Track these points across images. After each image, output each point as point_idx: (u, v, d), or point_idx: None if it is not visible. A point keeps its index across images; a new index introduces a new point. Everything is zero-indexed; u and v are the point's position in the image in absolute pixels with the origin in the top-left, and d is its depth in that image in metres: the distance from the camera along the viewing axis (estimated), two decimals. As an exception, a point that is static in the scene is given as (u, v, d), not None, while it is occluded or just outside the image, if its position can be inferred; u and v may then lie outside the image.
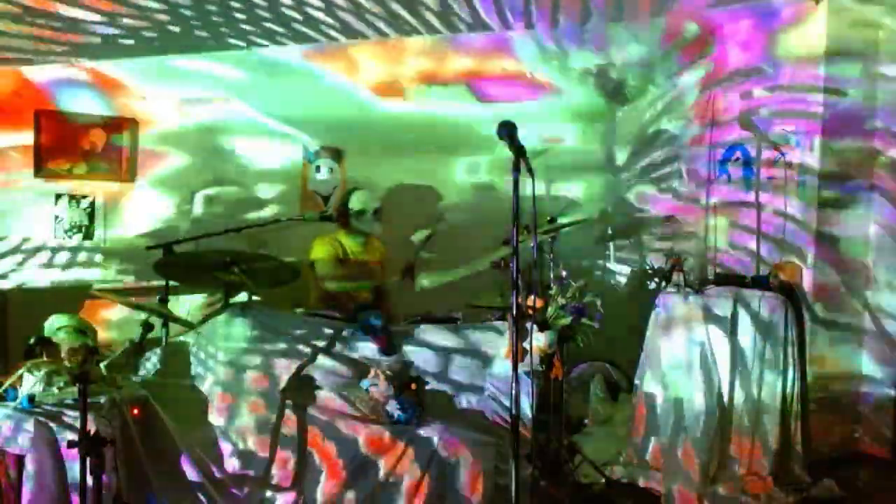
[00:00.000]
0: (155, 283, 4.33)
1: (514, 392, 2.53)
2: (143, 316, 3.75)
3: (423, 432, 3.19)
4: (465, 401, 3.54)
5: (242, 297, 3.96)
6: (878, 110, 4.28)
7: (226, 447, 3.22)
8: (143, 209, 4.88)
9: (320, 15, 3.85)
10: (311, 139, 5.42)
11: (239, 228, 4.48)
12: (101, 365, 3.24)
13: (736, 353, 3.76)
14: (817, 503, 3.61)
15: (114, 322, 4.64)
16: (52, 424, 2.75)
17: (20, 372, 2.94)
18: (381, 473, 3.11)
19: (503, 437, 3.22)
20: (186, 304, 4.74)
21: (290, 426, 3.25)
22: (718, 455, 3.72)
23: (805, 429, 3.76)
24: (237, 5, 3.68)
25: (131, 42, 4.06)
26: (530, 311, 3.22)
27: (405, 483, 3.09)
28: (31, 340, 3.13)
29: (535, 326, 3.29)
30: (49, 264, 4.64)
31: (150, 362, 3.53)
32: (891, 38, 4.21)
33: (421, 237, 4.74)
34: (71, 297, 4.44)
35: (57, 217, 4.64)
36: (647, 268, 5.26)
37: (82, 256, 4.73)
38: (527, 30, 4.30)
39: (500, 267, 4.09)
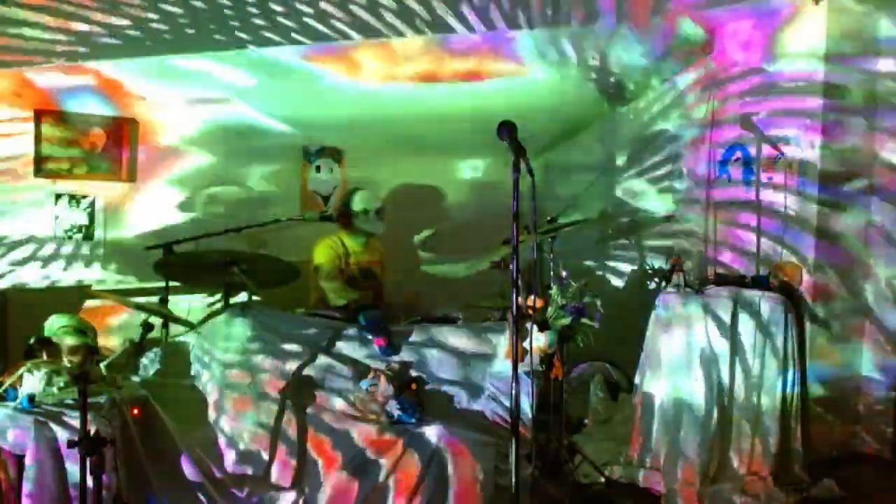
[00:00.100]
0: (154, 284, 4.36)
1: (514, 392, 2.53)
2: (143, 316, 3.75)
3: (423, 432, 3.19)
4: (465, 401, 3.53)
5: (242, 297, 3.97)
6: (878, 110, 4.28)
7: (226, 447, 3.22)
8: (143, 209, 4.88)
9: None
10: (312, 139, 5.44)
11: (239, 228, 4.48)
12: (101, 365, 3.25)
13: (736, 353, 3.76)
14: (817, 503, 3.61)
15: (114, 323, 4.64)
16: (52, 424, 2.75)
17: (20, 372, 2.94)
18: (382, 473, 3.11)
19: (503, 437, 3.22)
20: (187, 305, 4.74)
21: (290, 426, 3.25)
22: (718, 455, 3.72)
23: (805, 429, 3.77)
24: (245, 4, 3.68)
25: (133, 42, 4.05)
26: (530, 311, 3.23)
27: (405, 483, 3.09)
28: (31, 340, 3.13)
29: (535, 326, 3.29)
30: (49, 264, 4.64)
31: (151, 362, 3.53)
32: (890, 38, 4.21)
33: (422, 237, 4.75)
34: (71, 297, 4.44)
35: (57, 217, 4.65)
36: (647, 268, 5.26)
37: (82, 256, 4.73)
38: (527, 30, 4.30)
39: (499, 267, 4.10)
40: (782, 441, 3.69)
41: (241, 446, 3.23)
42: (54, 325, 3.28)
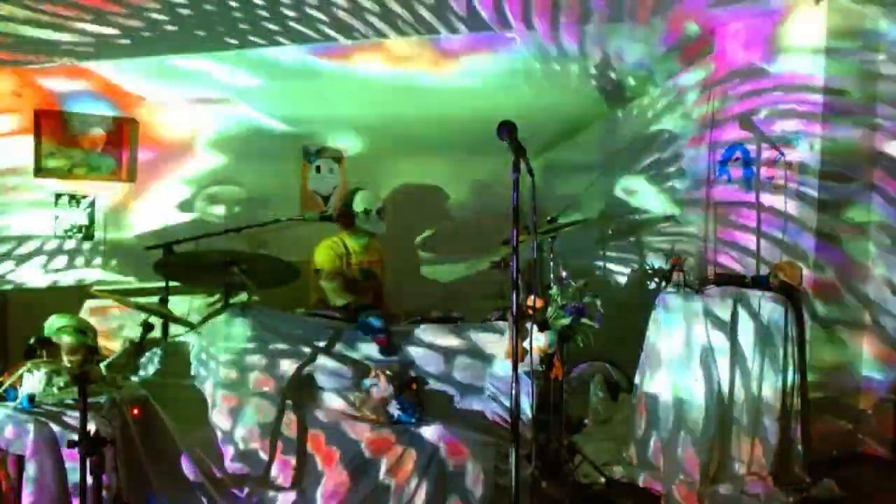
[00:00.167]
0: (154, 284, 4.36)
1: (514, 392, 2.53)
2: (143, 316, 3.75)
3: (423, 432, 3.20)
4: (465, 401, 3.53)
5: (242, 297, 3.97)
6: (878, 109, 4.28)
7: (226, 447, 3.22)
8: (143, 209, 4.88)
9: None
10: (312, 139, 5.44)
11: (239, 228, 4.48)
12: (101, 365, 3.25)
13: (736, 353, 3.76)
14: (817, 503, 3.61)
15: (114, 323, 4.64)
16: (52, 424, 2.75)
17: (20, 372, 2.94)
18: (382, 473, 3.11)
19: (503, 437, 3.23)
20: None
21: (290, 426, 3.25)
22: (718, 455, 3.72)
23: (805, 429, 3.76)
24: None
25: (132, 42, 4.05)
26: (530, 311, 3.23)
27: (405, 483, 3.09)
28: (31, 340, 3.14)
29: (535, 326, 3.29)
30: (49, 264, 4.64)
31: (150, 362, 3.53)
32: (890, 38, 4.21)
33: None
34: (71, 297, 4.44)
35: (57, 217, 4.65)
36: (647, 268, 5.26)
37: (82, 256, 4.73)
38: (527, 30, 4.30)
39: (500, 267, 4.10)
40: (782, 441, 3.68)
41: (241, 446, 3.22)
42: (54, 325, 3.28)
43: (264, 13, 3.81)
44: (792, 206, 4.25)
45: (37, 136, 4.53)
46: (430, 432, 3.19)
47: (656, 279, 4.29)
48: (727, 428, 3.74)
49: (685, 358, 3.82)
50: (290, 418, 3.27)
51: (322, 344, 3.60)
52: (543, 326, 3.42)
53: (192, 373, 3.50)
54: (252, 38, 4.13)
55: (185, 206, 5.05)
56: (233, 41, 4.15)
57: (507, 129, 2.56)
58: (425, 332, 3.72)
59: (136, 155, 4.83)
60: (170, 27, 3.85)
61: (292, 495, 3.11)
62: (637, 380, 3.99)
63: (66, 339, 3.14)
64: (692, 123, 5.07)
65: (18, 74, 4.45)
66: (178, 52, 4.33)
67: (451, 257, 5.95)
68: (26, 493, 2.69)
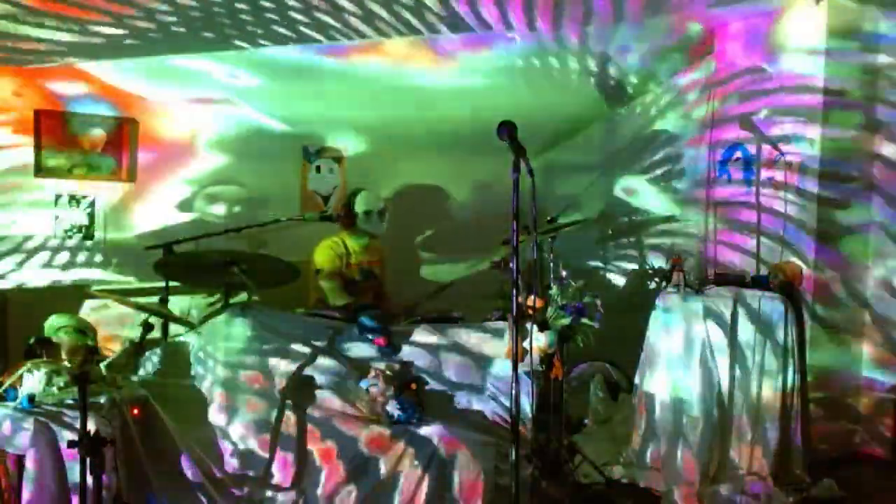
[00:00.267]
0: (154, 284, 4.36)
1: (514, 392, 2.53)
2: (143, 316, 3.75)
3: (423, 432, 3.20)
4: (465, 401, 3.54)
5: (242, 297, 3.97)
6: (878, 109, 4.27)
7: (226, 447, 3.22)
8: (143, 209, 4.88)
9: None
10: (312, 139, 5.44)
11: (239, 228, 4.49)
12: (101, 365, 3.25)
13: (736, 353, 3.75)
14: (817, 503, 3.61)
15: (114, 323, 4.64)
16: (52, 424, 2.75)
17: (20, 372, 2.94)
18: (381, 473, 3.11)
19: (503, 437, 3.23)
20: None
21: (289, 426, 3.25)
22: (718, 455, 3.72)
23: (805, 429, 3.76)
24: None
25: (133, 42, 4.05)
26: (530, 311, 3.23)
27: (405, 483, 3.09)
28: (31, 340, 3.14)
29: (535, 326, 3.29)
30: (49, 264, 4.64)
31: (150, 362, 3.53)
32: (890, 37, 4.21)
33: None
34: (71, 297, 4.44)
35: (57, 217, 4.65)
36: (647, 268, 5.26)
37: (82, 256, 4.73)
38: (528, 30, 4.30)
39: (500, 267, 4.10)
40: (782, 441, 3.68)
41: (241, 446, 3.23)
42: (54, 325, 3.28)
43: (273, 16, 3.82)
44: (792, 206, 4.25)
45: (37, 136, 4.54)
46: (429, 432, 3.19)
47: (656, 279, 4.29)
48: (727, 428, 3.74)
49: (685, 358, 3.82)
50: (289, 418, 3.27)
51: (322, 344, 3.60)
52: (543, 326, 3.41)
53: (192, 373, 3.50)
54: (262, 41, 4.13)
55: (185, 206, 5.05)
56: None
57: (507, 129, 2.56)
58: (425, 333, 3.72)
59: (136, 155, 4.83)
60: (169, 27, 3.85)
61: (292, 495, 3.12)
62: (637, 380, 3.99)
63: (66, 339, 3.14)
64: (692, 123, 5.07)
65: (19, 74, 4.45)
66: (179, 51, 4.33)
67: (451, 257, 5.95)
68: (26, 493, 2.69)
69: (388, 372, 3.44)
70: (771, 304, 3.74)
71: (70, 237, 4.68)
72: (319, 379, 3.46)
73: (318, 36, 4.11)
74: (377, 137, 5.60)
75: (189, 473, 3.03)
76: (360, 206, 4.64)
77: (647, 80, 5.31)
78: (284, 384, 3.39)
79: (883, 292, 4.31)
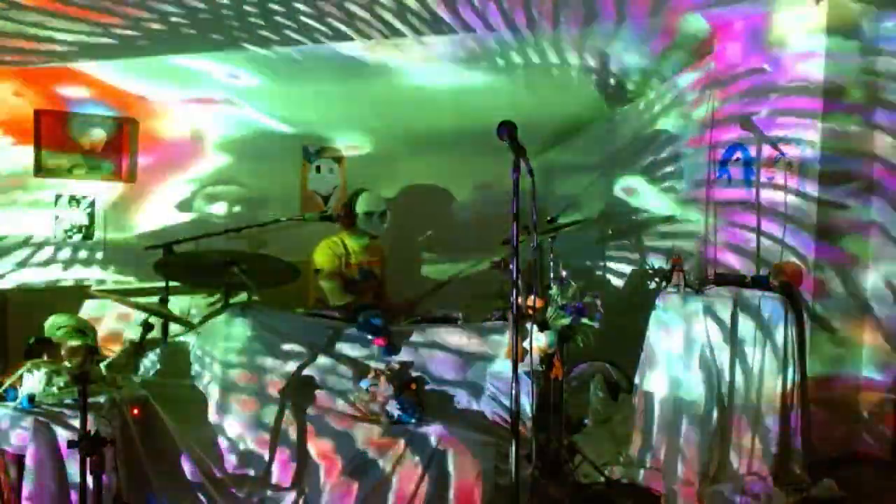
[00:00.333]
0: (154, 284, 4.36)
1: (514, 392, 2.53)
2: (143, 316, 3.75)
3: (423, 432, 3.19)
4: (465, 401, 3.53)
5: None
6: (879, 109, 4.27)
7: (226, 447, 3.23)
8: (143, 209, 4.88)
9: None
10: (312, 139, 5.44)
11: (239, 228, 4.49)
12: (101, 365, 3.25)
13: (736, 353, 3.76)
14: (817, 503, 3.61)
15: (114, 323, 4.64)
16: (52, 424, 2.75)
17: (20, 372, 2.94)
18: (381, 473, 3.11)
19: (503, 437, 3.22)
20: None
21: (290, 426, 3.26)
22: (718, 455, 3.72)
23: (805, 429, 3.76)
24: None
25: (132, 42, 4.05)
26: (530, 311, 3.23)
27: (405, 483, 3.08)
28: (31, 340, 3.14)
29: (535, 326, 3.29)
30: (49, 264, 4.64)
31: (150, 362, 3.53)
32: (890, 37, 4.21)
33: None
34: (71, 297, 4.44)
35: (57, 217, 4.65)
36: (647, 268, 5.26)
37: (82, 256, 4.73)
38: (528, 30, 4.30)
39: (500, 267, 4.10)
40: (782, 441, 3.68)
41: (241, 446, 3.23)
42: (54, 325, 3.28)
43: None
44: (792, 206, 4.25)
45: (37, 136, 4.54)
46: (429, 432, 3.18)
47: (656, 279, 4.29)
48: (727, 428, 3.74)
49: (685, 358, 3.82)
50: (290, 418, 3.28)
51: (322, 344, 3.60)
52: (543, 326, 3.41)
53: (192, 373, 3.50)
54: (253, 38, 4.13)
55: (185, 206, 5.05)
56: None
57: (507, 129, 2.56)
58: (425, 333, 3.72)
59: (136, 155, 4.83)
60: (168, 27, 3.85)
61: (292, 495, 3.12)
62: (637, 380, 3.99)
63: (66, 339, 3.14)
64: (692, 123, 5.07)
65: (19, 75, 4.45)
66: (179, 51, 4.33)
67: (451, 257, 5.94)
68: (26, 493, 2.69)
69: (388, 372, 3.44)
70: (771, 304, 3.74)
71: (70, 237, 4.68)
72: (319, 379, 3.46)
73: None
74: (377, 137, 5.60)
75: (189, 473, 3.03)
76: (361, 207, 4.63)
77: (647, 79, 5.31)
78: (284, 384, 3.39)
79: (883, 292, 4.31)
